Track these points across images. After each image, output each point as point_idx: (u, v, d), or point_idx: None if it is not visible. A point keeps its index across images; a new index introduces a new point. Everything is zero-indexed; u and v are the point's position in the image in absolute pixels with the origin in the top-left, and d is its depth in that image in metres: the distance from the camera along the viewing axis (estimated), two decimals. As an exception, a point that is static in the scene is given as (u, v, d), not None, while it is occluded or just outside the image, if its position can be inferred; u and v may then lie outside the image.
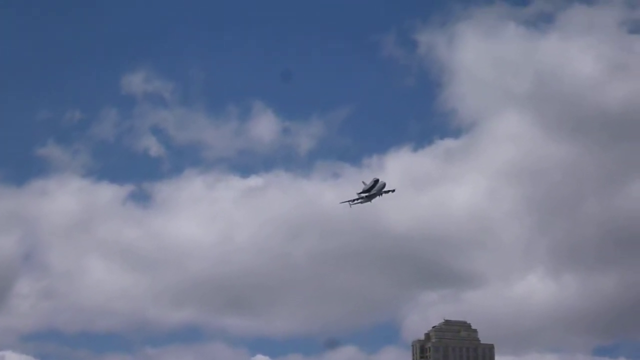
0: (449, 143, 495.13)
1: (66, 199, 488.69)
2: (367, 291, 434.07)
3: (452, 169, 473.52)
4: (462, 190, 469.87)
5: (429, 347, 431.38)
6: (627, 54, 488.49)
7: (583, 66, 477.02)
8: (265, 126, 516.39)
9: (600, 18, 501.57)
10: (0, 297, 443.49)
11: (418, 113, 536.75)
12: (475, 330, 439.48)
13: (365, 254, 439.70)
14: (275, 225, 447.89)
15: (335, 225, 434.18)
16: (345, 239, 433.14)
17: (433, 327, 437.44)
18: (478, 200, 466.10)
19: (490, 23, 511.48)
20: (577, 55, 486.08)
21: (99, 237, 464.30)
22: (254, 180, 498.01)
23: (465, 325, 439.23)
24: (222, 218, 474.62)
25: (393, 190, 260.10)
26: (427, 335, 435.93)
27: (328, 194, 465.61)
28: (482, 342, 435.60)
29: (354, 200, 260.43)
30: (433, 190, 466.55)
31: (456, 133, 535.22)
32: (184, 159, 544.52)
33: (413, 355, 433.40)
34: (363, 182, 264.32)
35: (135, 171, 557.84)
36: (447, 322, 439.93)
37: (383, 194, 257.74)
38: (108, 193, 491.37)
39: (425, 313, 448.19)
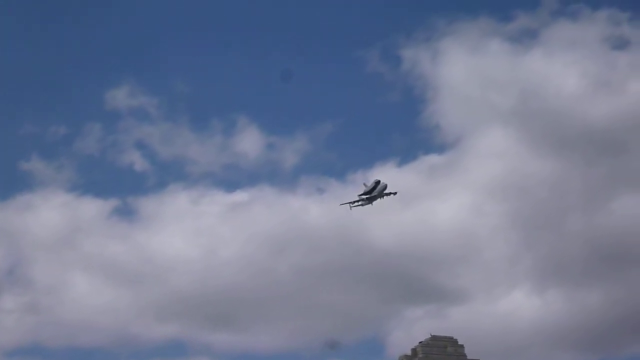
0: (433, 159, 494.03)
1: (50, 214, 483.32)
2: (353, 306, 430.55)
3: (436, 185, 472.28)
4: (446, 206, 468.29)
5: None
6: (611, 70, 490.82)
7: (567, 82, 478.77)
8: (250, 141, 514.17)
9: (584, 34, 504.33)
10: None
11: (403, 128, 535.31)
12: (462, 346, 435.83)
13: (350, 269, 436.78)
14: (260, 240, 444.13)
15: (320, 241, 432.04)
16: (330, 254, 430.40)
17: (420, 342, 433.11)
18: (463, 216, 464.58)
19: (475, 39, 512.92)
20: (561, 72, 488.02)
21: (83, 251, 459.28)
22: (239, 195, 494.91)
23: (452, 341, 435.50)
24: (207, 233, 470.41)
25: (395, 193, 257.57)
26: (414, 351, 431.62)
27: (313, 209, 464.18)
28: (468, 357, 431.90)
29: (354, 202, 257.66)
30: (418, 205, 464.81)
31: (440, 149, 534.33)
32: (168, 173, 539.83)
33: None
34: (364, 184, 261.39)
35: (120, 186, 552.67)
36: (434, 338, 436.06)
37: (384, 196, 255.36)
38: (92, 208, 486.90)
39: (411, 329, 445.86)
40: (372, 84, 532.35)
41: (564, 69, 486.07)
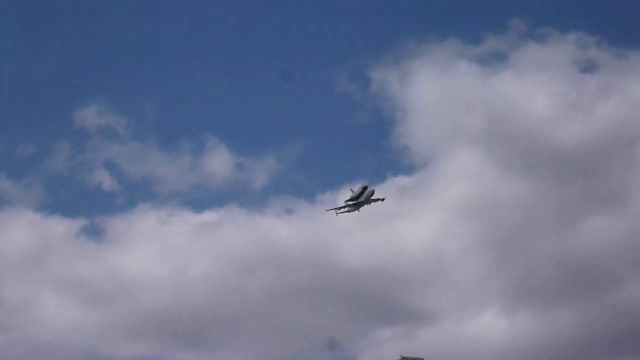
0: (402, 180, 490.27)
1: (18, 233, 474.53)
2: (322, 327, 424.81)
3: (406, 206, 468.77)
4: (415, 227, 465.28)
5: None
6: (580, 93, 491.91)
7: (536, 104, 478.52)
8: (218, 161, 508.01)
9: (553, 57, 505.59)
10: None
11: (372, 149, 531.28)
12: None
13: (319, 289, 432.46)
14: (229, 259, 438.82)
15: (289, 261, 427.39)
16: (300, 274, 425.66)
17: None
18: (432, 238, 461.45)
19: (443, 60, 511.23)
20: (530, 94, 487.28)
21: (51, 271, 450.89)
22: (208, 215, 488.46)
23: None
24: (176, 252, 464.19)
25: (383, 199, 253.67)
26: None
27: (282, 229, 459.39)
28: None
29: (340, 208, 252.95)
30: (387, 226, 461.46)
31: (409, 170, 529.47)
32: (137, 193, 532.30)
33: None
34: (351, 190, 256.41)
35: (88, 205, 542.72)
36: (404, 359, 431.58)
37: (372, 202, 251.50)
38: (60, 227, 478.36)
39: (380, 350, 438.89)
40: (341, 104, 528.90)
41: (534, 91, 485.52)
